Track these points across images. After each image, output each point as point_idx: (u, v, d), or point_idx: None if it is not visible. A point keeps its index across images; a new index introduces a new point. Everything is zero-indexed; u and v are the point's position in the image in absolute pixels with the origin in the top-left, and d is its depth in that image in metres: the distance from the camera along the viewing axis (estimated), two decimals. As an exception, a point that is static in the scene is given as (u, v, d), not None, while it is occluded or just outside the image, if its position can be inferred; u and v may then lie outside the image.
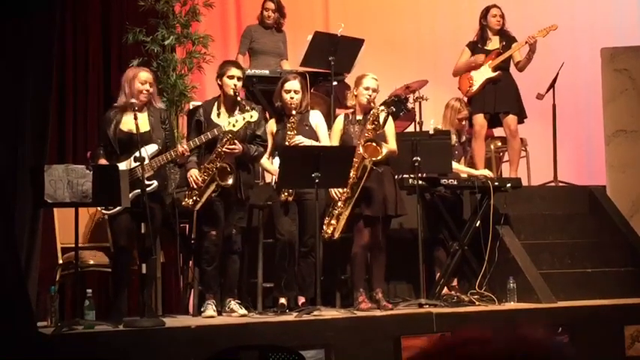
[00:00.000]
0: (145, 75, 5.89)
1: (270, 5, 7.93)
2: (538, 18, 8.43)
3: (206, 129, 5.94)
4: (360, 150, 6.05)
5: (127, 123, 5.74)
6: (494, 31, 7.63)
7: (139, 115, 5.68)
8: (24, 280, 5.18)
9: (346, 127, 6.33)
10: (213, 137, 5.85)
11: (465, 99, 7.50)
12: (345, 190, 6.08)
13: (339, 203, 6.12)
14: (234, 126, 5.78)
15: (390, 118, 6.31)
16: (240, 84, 6.06)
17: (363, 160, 6.05)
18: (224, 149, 5.83)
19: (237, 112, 5.94)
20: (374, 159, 6.05)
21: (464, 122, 7.12)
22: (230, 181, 5.84)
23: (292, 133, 6.17)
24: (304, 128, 6.25)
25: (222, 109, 6.06)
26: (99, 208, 5.96)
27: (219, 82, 6.08)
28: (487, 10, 7.67)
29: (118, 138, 5.78)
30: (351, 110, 6.42)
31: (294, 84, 6.27)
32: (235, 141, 5.85)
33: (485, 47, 7.62)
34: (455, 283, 6.77)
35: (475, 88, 7.52)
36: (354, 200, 6.10)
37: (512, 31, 7.71)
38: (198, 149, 5.96)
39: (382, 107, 6.19)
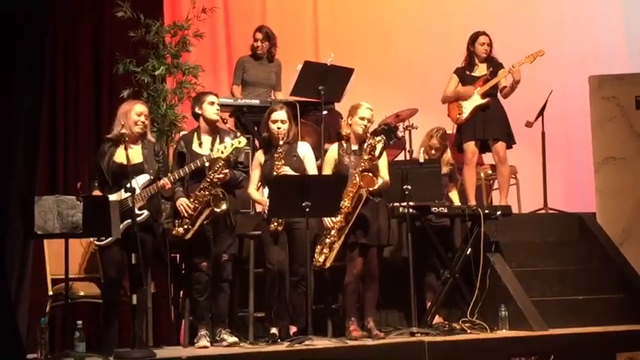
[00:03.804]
0: (140, 107, 6.01)
1: (258, 35, 7.98)
2: (526, 46, 8.47)
3: (189, 160, 5.97)
4: (357, 180, 6.06)
5: (120, 155, 5.77)
6: (482, 59, 7.67)
7: (132, 147, 5.78)
8: (14, 312, 5.16)
9: (341, 157, 6.33)
10: (196, 168, 5.87)
11: (456, 126, 7.52)
12: (339, 219, 6.09)
13: (333, 232, 6.12)
14: (222, 152, 5.82)
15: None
16: (219, 110, 6.15)
17: (359, 190, 6.06)
18: (216, 176, 5.85)
19: (218, 138, 6.00)
20: (370, 189, 6.06)
21: (433, 151, 7.12)
22: (224, 207, 5.85)
23: (280, 163, 6.15)
24: (292, 159, 6.23)
25: (204, 138, 6.10)
26: (91, 239, 5.95)
27: (199, 111, 6.12)
28: (475, 37, 7.69)
29: (111, 169, 5.81)
30: (345, 139, 6.43)
31: (280, 114, 6.27)
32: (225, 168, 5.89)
33: (473, 74, 7.65)
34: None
35: (465, 115, 7.55)
36: (349, 229, 6.11)
37: (501, 58, 7.74)
38: (182, 180, 5.97)
39: (379, 138, 6.19)
